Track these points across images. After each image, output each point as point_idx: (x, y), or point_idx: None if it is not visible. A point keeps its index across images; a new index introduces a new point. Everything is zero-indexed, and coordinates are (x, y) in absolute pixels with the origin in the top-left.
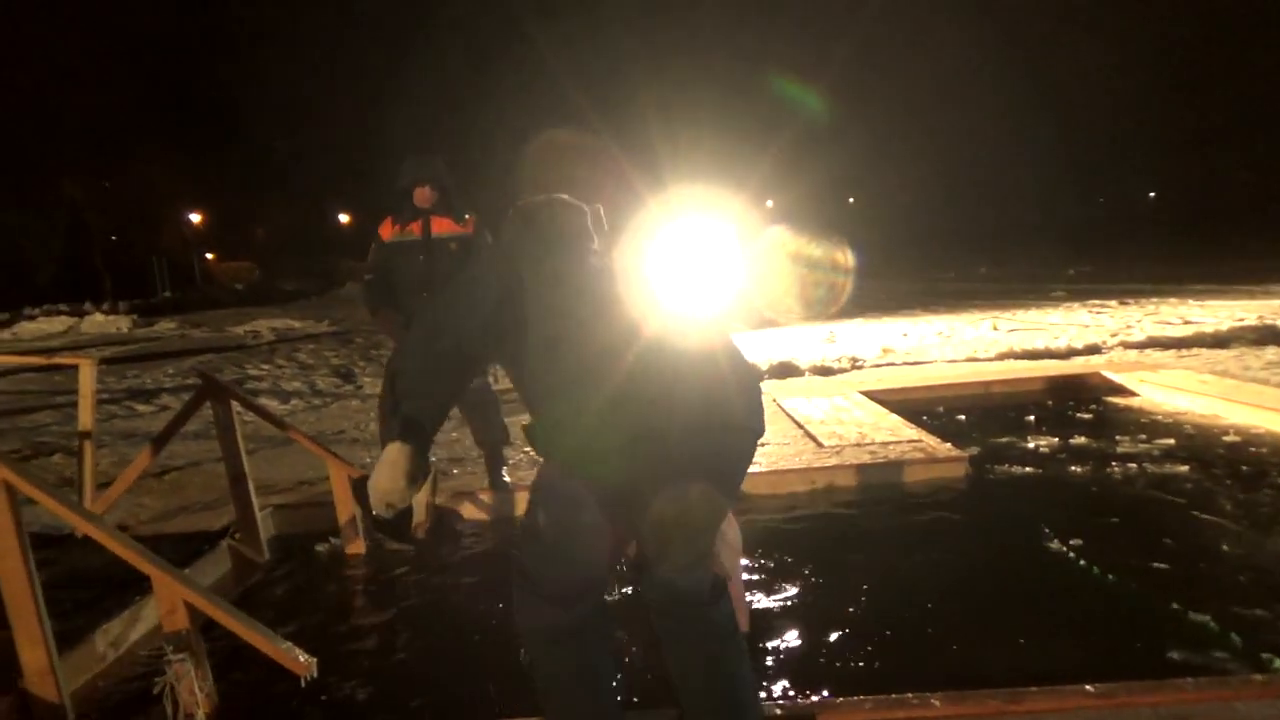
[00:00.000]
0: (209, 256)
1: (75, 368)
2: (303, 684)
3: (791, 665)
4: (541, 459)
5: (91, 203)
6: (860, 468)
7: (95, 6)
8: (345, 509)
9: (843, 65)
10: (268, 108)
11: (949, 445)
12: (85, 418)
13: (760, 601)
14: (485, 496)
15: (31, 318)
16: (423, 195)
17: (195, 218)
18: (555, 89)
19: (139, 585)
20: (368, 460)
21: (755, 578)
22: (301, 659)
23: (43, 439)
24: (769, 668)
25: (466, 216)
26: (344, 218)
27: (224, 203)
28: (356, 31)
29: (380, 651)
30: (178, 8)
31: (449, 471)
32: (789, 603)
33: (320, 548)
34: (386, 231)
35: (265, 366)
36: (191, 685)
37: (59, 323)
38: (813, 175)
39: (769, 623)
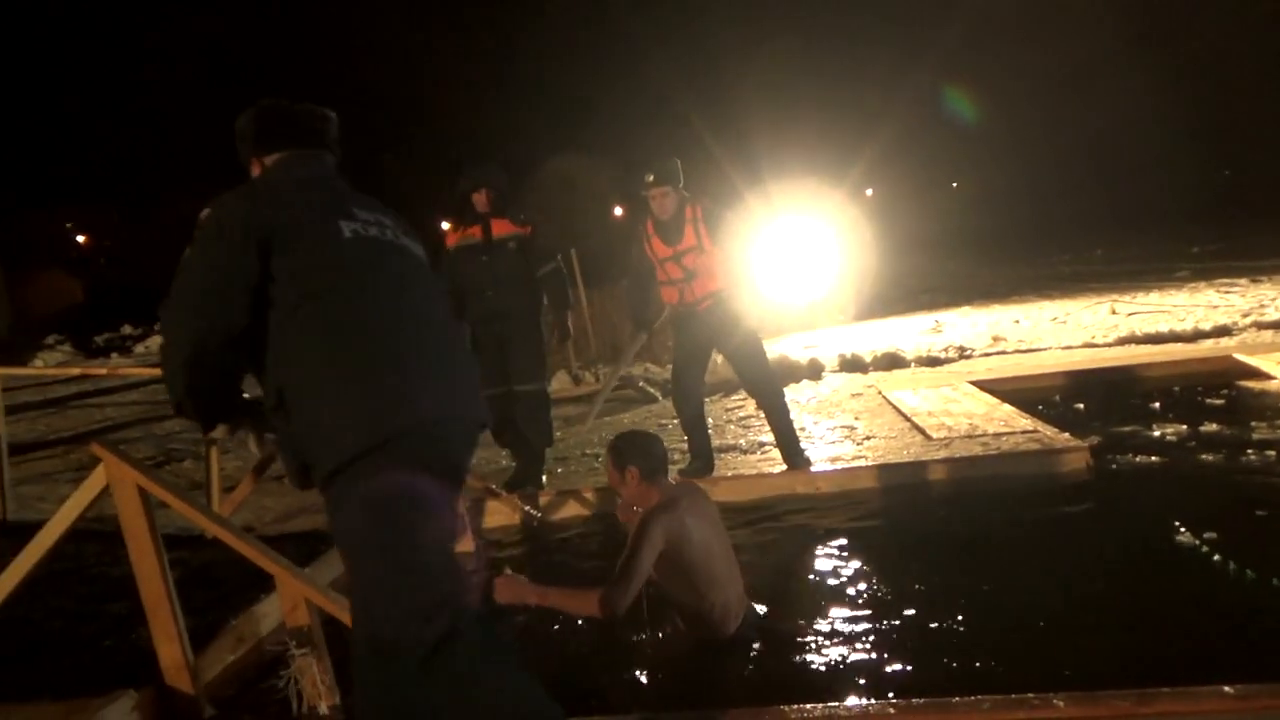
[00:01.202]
0: None
1: None
2: None
3: (904, 664)
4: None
5: None
6: (972, 460)
7: (210, 34)
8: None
9: (945, 45)
10: (376, 124)
11: (1067, 435)
12: None
13: (871, 601)
14: (589, 494)
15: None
16: (481, 199)
17: None
18: (653, 88)
19: (264, 583)
20: (503, 461)
21: (864, 575)
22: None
23: (174, 445)
24: (880, 666)
25: (523, 217)
26: (446, 225)
27: None
28: (461, 42)
29: None
30: (287, 34)
31: (554, 470)
32: (900, 601)
33: None
34: (451, 239)
35: None
36: (314, 678)
37: None
38: (914, 161)
39: (880, 621)
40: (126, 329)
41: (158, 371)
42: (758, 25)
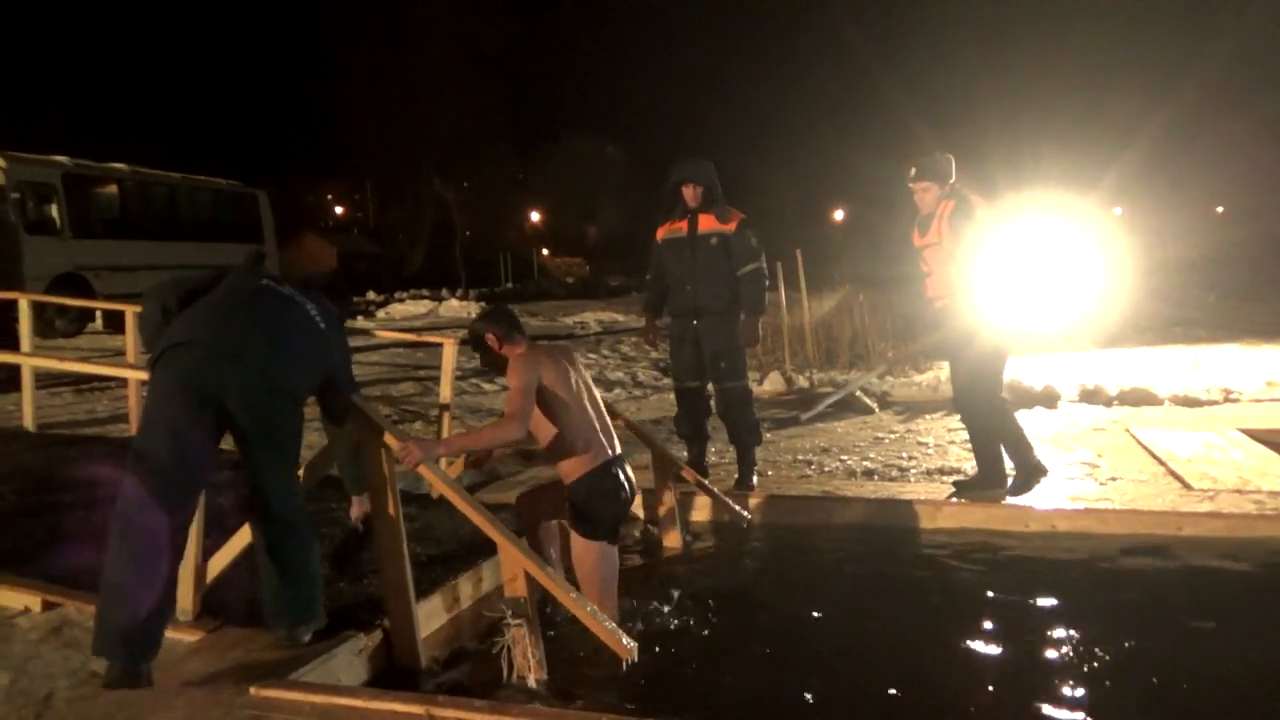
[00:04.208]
0: (544, 252)
1: (438, 345)
2: (624, 666)
3: None
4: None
5: (455, 202)
6: (1243, 519)
7: (458, 30)
8: (665, 500)
9: (1215, 60)
10: (601, 118)
11: None
12: (445, 391)
13: (1097, 658)
14: (800, 500)
15: (401, 301)
16: (690, 194)
17: (535, 216)
18: (886, 103)
19: (483, 548)
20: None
21: (1101, 625)
22: (625, 642)
23: (408, 408)
24: None
25: (730, 214)
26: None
27: (559, 203)
28: (681, 46)
29: (693, 637)
30: (527, 33)
31: (764, 473)
32: (1138, 665)
33: (638, 534)
34: (660, 232)
35: (592, 356)
36: (525, 650)
37: (422, 306)
38: (1170, 181)
39: (1107, 688)
40: (370, 295)
41: (400, 335)
42: (999, 24)
